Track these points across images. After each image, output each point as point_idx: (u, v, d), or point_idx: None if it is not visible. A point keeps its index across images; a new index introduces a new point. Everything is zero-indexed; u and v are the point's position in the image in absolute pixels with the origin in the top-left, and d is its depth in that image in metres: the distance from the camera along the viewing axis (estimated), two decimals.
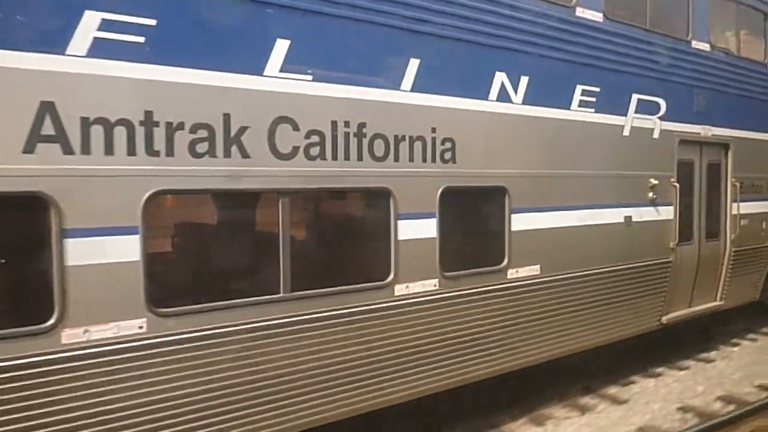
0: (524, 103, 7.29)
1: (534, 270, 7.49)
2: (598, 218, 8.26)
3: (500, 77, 7.03)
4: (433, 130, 6.44)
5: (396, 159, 6.15)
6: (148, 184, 4.73)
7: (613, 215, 8.52)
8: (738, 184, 10.65)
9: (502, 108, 7.08)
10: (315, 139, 5.59)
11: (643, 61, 8.81)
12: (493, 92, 6.98)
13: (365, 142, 5.91)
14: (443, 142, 6.52)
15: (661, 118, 9.14)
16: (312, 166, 5.59)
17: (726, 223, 10.66)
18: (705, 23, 9.89)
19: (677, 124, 9.46)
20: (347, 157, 5.81)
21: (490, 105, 6.96)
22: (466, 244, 7.02)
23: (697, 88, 9.85)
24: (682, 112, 9.56)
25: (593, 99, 8.11)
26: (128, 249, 4.66)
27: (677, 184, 9.41)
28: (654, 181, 9.03)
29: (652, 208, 9.11)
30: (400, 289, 6.23)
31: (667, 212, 9.35)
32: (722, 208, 10.64)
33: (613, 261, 8.51)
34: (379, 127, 6.01)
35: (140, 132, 4.69)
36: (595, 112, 8.17)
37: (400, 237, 6.20)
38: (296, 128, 5.48)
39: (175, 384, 4.85)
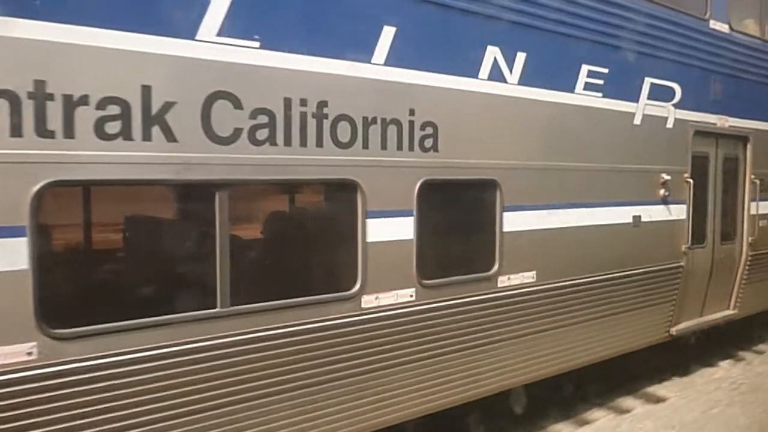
0: (521, 83, 6.27)
1: (529, 277, 6.50)
2: (603, 218, 7.27)
3: (493, 52, 6.00)
4: (411, 112, 5.42)
5: (365, 146, 5.14)
6: (38, 174, 3.73)
7: (620, 214, 7.52)
8: (758, 182, 9.65)
9: (495, 88, 6.07)
10: (262, 119, 4.58)
11: (656, 39, 7.78)
12: (484, 70, 5.96)
13: (326, 124, 4.90)
14: (423, 126, 5.51)
15: (675, 106, 8.13)
16: (258, 153, 4.57)
17: (743, 224, 9.68)
18: (724, 1, 8.85)
19: (692, 113, 8.45)
20: (304, 143, 4.79)
21: (480, 84, 5.94)
22: (450, 248, 6.03)
23: (714, 74, 8.83)
24: (698, 99, 8.55)
25: (600, 81, 7.09)
26: (13, 256, 3.66)
27: (691, 180, 8.41)
28: (666, 177, 8.03)
29: (663, 207, 8.11)
30: (368, 301, 5.24)
31: (679, 211, 8.35)
32: (739, 207, 9.65)
33: (620, 266, 7.52)
34: (345, 107, 5.00)
35: (28, 107, 3.68)
36: (603, 96, 7.15)
37: (369, 239, 5.20)
38: (238, 106, 4.47)
39: None
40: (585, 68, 6.90)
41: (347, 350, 5.12)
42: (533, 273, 6.53)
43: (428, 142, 5.55)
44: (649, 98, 7.73)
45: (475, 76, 5.91)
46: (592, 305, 7.19)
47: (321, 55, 4.86)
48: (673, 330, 8.57)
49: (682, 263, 8.46)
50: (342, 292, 5.12)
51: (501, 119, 6.17)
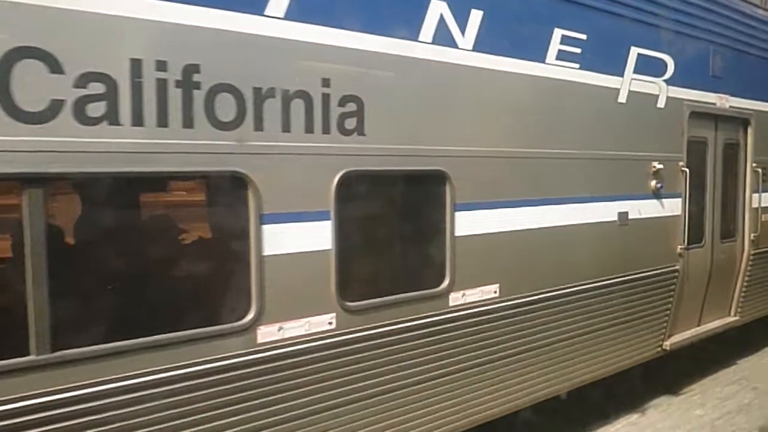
0: (476, 49, 4.98)
1: (491, 291, 5.23)
2: (582, 216, 6.00)
3: (438, 8, 4.70)
4: (326, 82, 4.11)
5: (258, 127, 3.83)
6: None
7: (604, 211, 6.25)
8: (760, 170, 8.42)
9: (442, 55, 4.77)
10: (97, 88, 3.25)
11: (644, 1, 6.51)
12: (427, 31, 4.66)
13: (198, 97, 3.59)
14: (343, 102, 4.20)
15: (667, 82, 6.86)
16: (92, 136, 3.25)
17: (744, 219, 8.46)
18: None
19: (688, 90, 7.20)
20: (163, 122, 3.47)
21: (422, 49, 4.65)
22: (384, 259, 4.75)
23: (714, 45, 7.57)
24: (694, 75, 7.31)
25: (577, 50, 5.81)
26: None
27: (687, 170, 7.17)
28: (658, 166, 6.78)
29: (654, 201, 6.86)
30: (266, 334, 3.94)
31: (673, 206, 7.11)
32: (740, 200, 8.43)
33: (604, 273, 6.26)
34: (226, 73, 3.69)
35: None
36: (581, 68, 5.87)
37: (267, 251, 3.90)
38: (57, 69, 3.14)
39: None
40: (558, 33, 5.61)
41: (236, 400, 3.81)
42: (496, 286, 5.26)
43: (350, 123, 4.25)
44: (636, 72, 6.46)
45: (414, 38, 4.60)
46: (569, 322, 5.93)
47: (187, 2, 3.53)
48: (667, 343, 7.34)
49: (677, 266, 7.22)
50: (229, 323, 3.81)
51: (451, 95, 4.88)
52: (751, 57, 8.28)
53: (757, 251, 8.58)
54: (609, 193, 6.30)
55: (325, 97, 4.10)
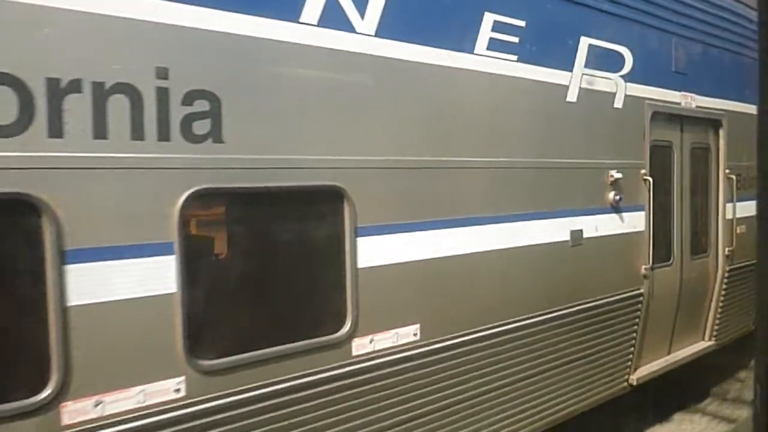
0: (380, 34, 4.01)
1: (409, 334, 4.23)
2: (526, 236, 5.04)
3: None
4: (161, 73, 3.10)
5: (54, 133, 2.80)
6: None
7: (552, 230, 5.30)
8: (734, 177, 7.56)
9: (334, 41, 3.79)
10: None
11: None
12: (312, 10, 3.68)
13: None
14: (189, 99, 3.20)
15: (625, 78, 5.96)
16: None
17: (718, 232, 7.58)
18: None
19: (649, 88, 6.31)
20: None
21: (305, 33, 3.66)
22: (255, 301, 3.70)
23: (677, 37, 6.70)
24: (656, 70, 6.43)
25: (514, 39, 4.87)
26: None
27: (650, 179, 6.26)
28: (616, 175, 5.85)
29: (613, 216, 5.93)
30: (79, 412, 2.90)
31: (636, 221, 6.19)
32: (712, 210, 7.54)
33: (554, 303, 5.30)
34: (3, 59, 2.67)
35: None
36: (520, 61, 4.93)
37: (75, 300, 2.86)
38: None
39: None
40: (489, 18, 4.67)
41: None
42: (415, 328, 4.26)
43: (201, 127, 3.24)
44: (587, 66, 5.54)
45: (294, 18, 3.62)
46: (512, 364, 4.95)
47: None
48: (633, 378, 6.39)
49: (641, 289, 6.29)
50: (21, 400, 2.76)
51: (347, 91, 3.90)
52: (719, 51, 7.43)
53: (733, 267, 7.70)
54: (558, 208, 5.35)
55: (162, 93, 3.09)
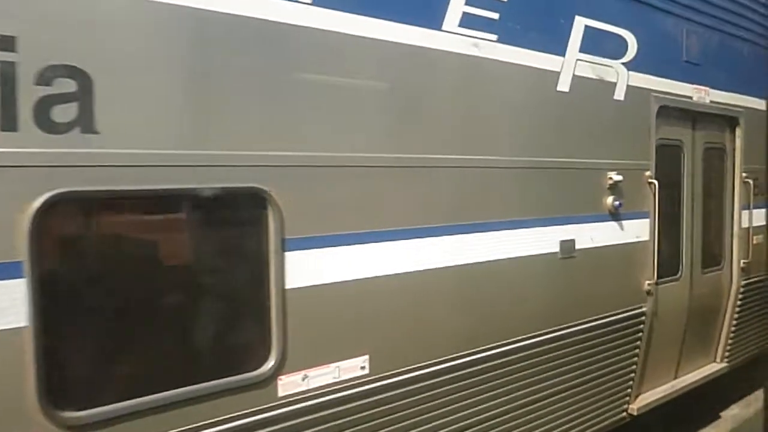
0: (320, 2, 3.26)
1: (355, 367, 3.49)
2: (508, 247, 4.29)
3: None
4: (6, 44, 2.37)
5: None
6: None
7: (540, 240, 4.54)
8: (751, 181, 6.75)
9: (258, 8, 3.05)
10: None
11: None
12: None
13: None
14: (47, 77, 2.46)
15: (628, 66, 5.18)
16: None
17: (732, 242, 6.78)
18: None
19: (656, 78, 5.52)
20: None
21: None
22: (145, 334, 2.94)
23: (688, 23, 5.91)
24: (664, 59, 5.65)
25: (494, 15, 4.12)
26: None
27: (656, 182, 5.47)
28: (616, 177, 5.08)
29: (612, 224, 5.17)
30: None
31: (638, 229, 5.42)
32: (727, 218, 6.74)
33: (539, 325, 4.55)
34: None
35: None
36: (500, 41, 4.17)
37: None
38: None
39: None
40: None
41: None
42: (364, 360, 3.53)
43: (64, 113, 2.51)
44: (583, 51, 4.77)
45: None
46: (488, 398, 4.20)
47: None
48: (633, 407, 5.63)
49: (644, 308, 5.52)
50: None
51: (274, 71, 3.15)
52: (738, 40, 6.63)
53: (749, 281, 6.90)
54: (547, 214, 4.59)
55: (6, 69, 2.36)
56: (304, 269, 3.25)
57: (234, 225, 3.13)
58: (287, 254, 3.18)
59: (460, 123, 3.97)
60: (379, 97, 3.54)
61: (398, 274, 3.62)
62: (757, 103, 6.81)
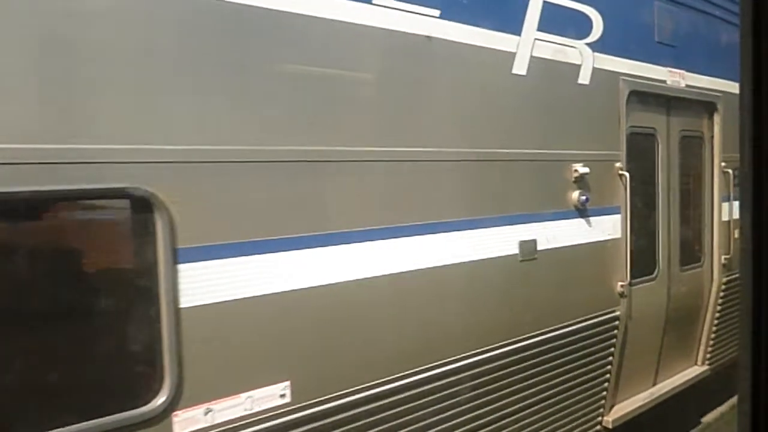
0: None
1: (272, 396, 2.99)
2: (457, 251, 3.80)
3: None
4: None
5: None
6: None
7: (493, 242, 4.05)
8: (731, 171, 6.31)
9: None
10: None
11: None
12: None
13: None
14: None
15: (593, 47, 4.71)
16: None
17: (713, 236, 6.34)
18: None
19: (626, 61, 5.05)
20: None
21: None
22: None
23: (661, 1, 5.45)
24: (634, 40, 5.18)
25: None
26: None
27: (627, 174, 5.01)
28: (582, 170, 4.62)
29: (579, 222, 4.70)
30: None
31: (608, 226, 4.96)
32: (706, 212, 6.31)
33: (496, 338, 4.06)
34: None
35: None
36: (444, 17, 3.67)
37: None
38: None
39: None
40: None
41: None
42: (283, 387, 3.02)
43: None
44: (542, 29, 4.29)
45: None
46: (437, 421, 3.70)
47: None
48: (608, 419, 5.18)
49: (617, 311, 5.07)
50: None
51: (157, 47, 2.63)
52: (716, 20, 6.19)
53: (731, 278, 6.47)
54: (503, 212, 4.11)
55: None
56: (204, 284, 2.74)
57: (111, 234, 2.63)
58: (181, 267, 2.67)
59: (393, 110, 3.47)
60: (291, 79, 3.03)
61: (322, 285, 3.12)
62: (737, 88, 6.35)
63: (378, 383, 3.35)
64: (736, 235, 6.47)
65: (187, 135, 2.68)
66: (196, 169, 2.71)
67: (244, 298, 2.86)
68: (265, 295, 2.93)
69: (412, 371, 3.48)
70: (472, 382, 3.83)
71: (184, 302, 2.68)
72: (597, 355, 4.89)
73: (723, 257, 6.37)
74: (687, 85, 5.81)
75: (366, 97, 3.34)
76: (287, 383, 3.03)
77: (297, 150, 3.02)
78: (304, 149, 3.05)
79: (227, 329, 2.82)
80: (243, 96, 2.86)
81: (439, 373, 3.64)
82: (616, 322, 5.05)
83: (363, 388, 3.31)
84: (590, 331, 4.77)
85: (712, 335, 6.45)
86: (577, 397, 4.78)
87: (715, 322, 6.45)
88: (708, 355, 6.46)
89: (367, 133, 3.31)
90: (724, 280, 6.42)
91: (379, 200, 3.38)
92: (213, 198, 2.75)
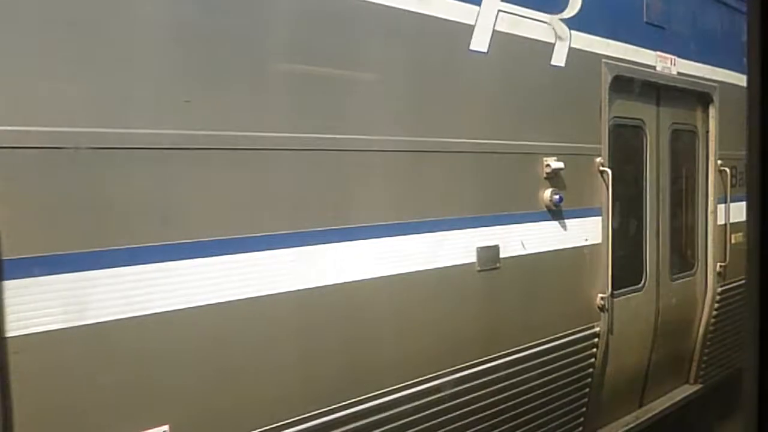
0: None
1: None
2: (401, 259, 3.16)
3: None
4: None
5: None
6: None
7: (445, 249, 3.42)
8: (728, 170, 5.70)
9: None
10: None
11: None
12: None
13: None
14: None
15: (570, 24, 4.08)
16: None
17: (707, 242, 5.72)
18: None
19: (608, 41, 4.43)
20: None
21: None
22: None
23: None
24: (619, 18, 4.56)
25: None
26: None
27: (609, 171, 4.39)
28: (555, 165, 4.00)
29: (551, 225, 4.08)
30: None
31: (587, 230, 4.34)
32: (700, 214, 5.69)
33: (442, 364, 3.42)
34: None
35: None
36: None
37: None
38: None
39: None
40: None
41: None
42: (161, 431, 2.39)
43: None
44: (507, 0, 3.65)
45: None
46: None
47: None
48: None
49: (596, 328, 4.46)
50: None
51: None
52: (712, 2, 5.57)
53: (726, 287, 5.86)
54: (457, 213, 3.48)
55: None
56: (42, 305, 2.11)
57: None
58: (6, 284, 2.04)
59: (323, 92, 2.83)
60: (167, 46, 2.40)
61: (210, 305, 2.48)
62: (735, 78, 5.76)
63: (287, 424, 2.71)
64: (733, 241, 5.87)
65: (12, 115, 2.05)
66: (32, 159, 2.08)
67: (100, 322, 2.23)
68: (128, 318, 2.29)
69: (320, 411, 2.83)
70: (412, 417, 3.19)
71: (13, 330, 2.06)
72: (572, 378, 4.27)
73: (718, 265, 5.76)
74: (679, 73, 5.20)
75: (267, 75, 2.69)
76: (166, 428, 2.40)
77: (170, 135, 2.38)
78: (178, 134, 2.39)
79: (79, 361, 2.20)
80: (95, 66, 2.23)
81: (368, 408, 3.00)
82: (595, 339, 4.44)
83: (272, 428, 2.68)
84: (563, 351, 4.15)
85: (706, 351, 5.84)
86: (549, 426, 4.16)
87: (709, 336, 5.84)
88: (701, 373, 5.86)
89: (270, 118, 2.67)
90: (719, 290, 5.81)
91: (288, 198, 2.73)
92: (54, 196, 2.12)
